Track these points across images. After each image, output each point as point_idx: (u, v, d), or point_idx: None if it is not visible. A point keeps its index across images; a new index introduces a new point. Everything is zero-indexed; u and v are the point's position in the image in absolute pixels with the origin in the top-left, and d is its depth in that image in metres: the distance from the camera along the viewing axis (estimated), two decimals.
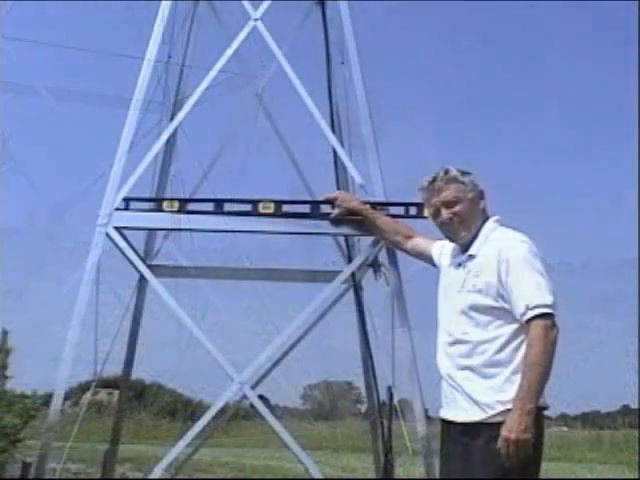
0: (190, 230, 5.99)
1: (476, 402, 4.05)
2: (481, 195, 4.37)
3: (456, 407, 4.17)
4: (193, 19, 7.81)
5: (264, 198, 5.89)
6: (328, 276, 6.49)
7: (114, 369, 8.55)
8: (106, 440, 7.42)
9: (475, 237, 4.28)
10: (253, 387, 5.84)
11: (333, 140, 6.53)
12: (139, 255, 6.47)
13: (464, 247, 4.31)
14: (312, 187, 7.84)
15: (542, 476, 4.01)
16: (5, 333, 10.38)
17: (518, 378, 3.93)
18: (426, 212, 4.64)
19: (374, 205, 5.75)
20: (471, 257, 4.24)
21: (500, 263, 4.07)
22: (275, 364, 7.06)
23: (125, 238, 6.00)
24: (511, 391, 3.95)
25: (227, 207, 5.89)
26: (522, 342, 4.00)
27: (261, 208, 5.85)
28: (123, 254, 6.05)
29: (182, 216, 5.86)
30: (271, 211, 5.85)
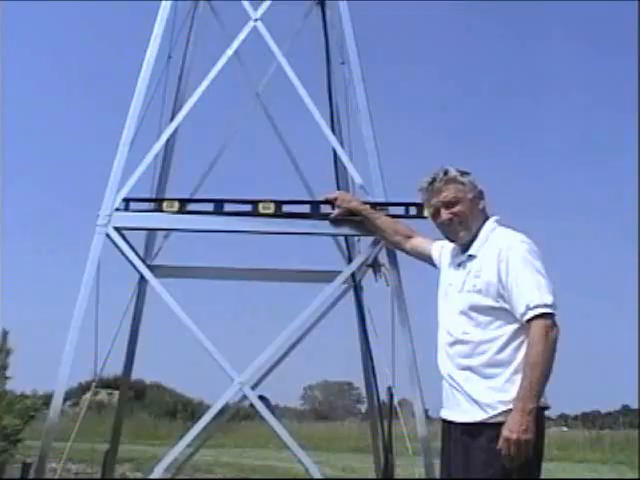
0: (190, 230, 5.99)
1: (477, 402, 4.05)
2: (480, 195, 4.37)
3: (457, 407, 4.17)
4: (193, 19, 7.81)
5: (264, 198, 5.89)
6: (328, 276, 6.49)
7: (114, 369, 8.55)
8: (106, 440, 7.42)
9: (475, 237, 4.28)
10: (253, 387, 5.84)
11: (333, 140, 6.53)
12: (139, 255, 6.47)
13: (464, 247, 4.31)
14: (312, 187, 7.85)
15: (542, 476, 4.01)
16: (5, 333, 10.38)
17: (519, 378, 3.93)
18: (426, 212, 4.64)
19: (374, 205, 5.75)
20: (471, 257, 4.24)
21: (500, 263, 4.08)
22: (275, 364, 7.06)
23: (125, 238, 6.00)
24: (512, 391, 3.95)
25: (227, 207, 5.89)
26: (523, 342, 4.00)
27: (261, 208, 5.85)
28: (123, 254, 6.05)
29: (182, 216, 5.86)
30: (271, 211, 5.85)
